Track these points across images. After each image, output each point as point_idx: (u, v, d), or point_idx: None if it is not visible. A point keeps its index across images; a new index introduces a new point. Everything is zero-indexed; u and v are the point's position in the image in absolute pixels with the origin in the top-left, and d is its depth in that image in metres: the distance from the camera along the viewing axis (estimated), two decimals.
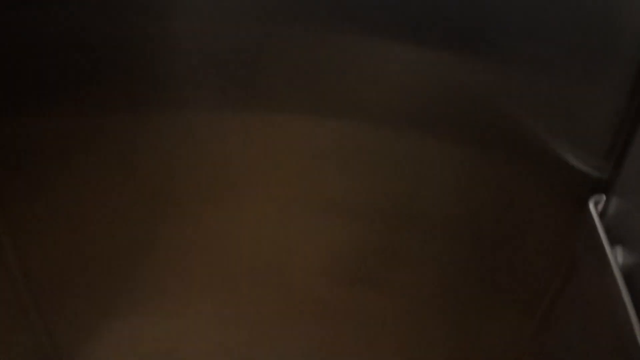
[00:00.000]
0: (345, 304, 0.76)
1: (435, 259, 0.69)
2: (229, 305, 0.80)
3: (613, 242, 0.52)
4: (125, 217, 0.73)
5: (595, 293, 0.53)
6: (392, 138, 0.60)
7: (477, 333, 0.76)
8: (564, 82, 0.54)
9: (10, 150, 0.68)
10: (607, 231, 0.53)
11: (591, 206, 0.55)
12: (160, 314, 0.84)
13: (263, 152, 0.63)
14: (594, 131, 0.55)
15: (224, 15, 0.56)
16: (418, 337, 0.78)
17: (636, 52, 0.50)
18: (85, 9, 0.56)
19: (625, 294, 0.46)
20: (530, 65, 0.54)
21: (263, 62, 0.58)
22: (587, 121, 0.55)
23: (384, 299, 0.74)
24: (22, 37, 0.58)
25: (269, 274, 0.75)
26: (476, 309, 0.74)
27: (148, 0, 0.56)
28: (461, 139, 0.59)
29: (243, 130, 0.62)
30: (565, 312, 0.64)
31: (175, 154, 0.66)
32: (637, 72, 0.51)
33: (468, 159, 0.60)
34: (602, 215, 0.55)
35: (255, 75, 0.59)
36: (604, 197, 0.56)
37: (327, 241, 0.70)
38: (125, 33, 0.58)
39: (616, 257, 0.50)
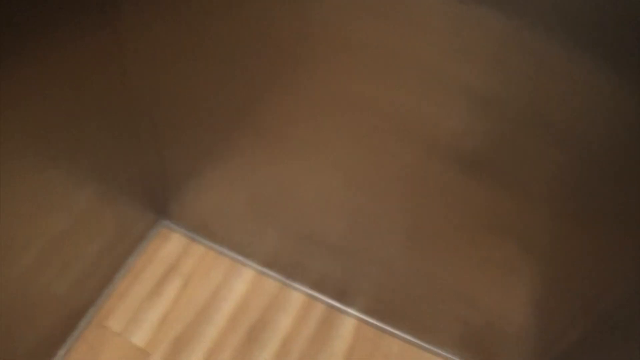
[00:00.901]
0: (456, 187, 0.73)
1: (556, 161, 0.65)
2: (340, 165, 0.79)
3: None
4: (251, 57, 0.71)
5: None
6: (539, 38, 0.55)
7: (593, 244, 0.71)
8: None
9: None
10: None
11: None
12: (271, 157, 0.84)
13: (399, 26, 0.60)
14: None
15: None
16: (524, 238, 0.75)
17: None
18: None
19: None
20: None
21: None
22: None
23: (497, 190, 0.71)
24: None
25: (387, 143, 0.72)
26: (594, 221, 0.68)
27: None
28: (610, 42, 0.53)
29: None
30: None
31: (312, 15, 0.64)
32: None
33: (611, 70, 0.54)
34: None
35: None
36: None
37: (451, 122, 0.66)
38: None
39: None
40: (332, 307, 1.01)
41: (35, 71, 0.66)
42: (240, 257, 1.04)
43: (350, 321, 1.00)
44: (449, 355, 0.99)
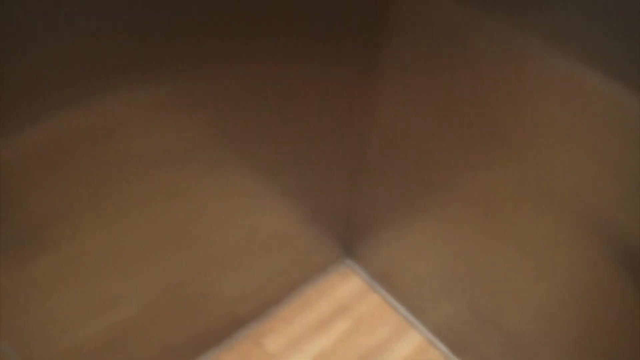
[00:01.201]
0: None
1: None
2: (535, 256, 0.76)
3: None
4: (477, 130, 0.72)
5: None
6: None
7: None
8: None
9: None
10: None
11: None
12: (473, 230, 0.82)
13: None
14: None
15: None
16: None
17: None
18: None
19: None
20: None
21: None
22: None
23: None
24: None
25: (578, 242, 0.69)
26: None
27: None
28: None
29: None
30: None
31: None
32: None
33: None
34: None
35: None
36: None
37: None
38: None
39: None
40: None
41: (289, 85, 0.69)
42: (413, 318, 1.00)
43: None
44: None
